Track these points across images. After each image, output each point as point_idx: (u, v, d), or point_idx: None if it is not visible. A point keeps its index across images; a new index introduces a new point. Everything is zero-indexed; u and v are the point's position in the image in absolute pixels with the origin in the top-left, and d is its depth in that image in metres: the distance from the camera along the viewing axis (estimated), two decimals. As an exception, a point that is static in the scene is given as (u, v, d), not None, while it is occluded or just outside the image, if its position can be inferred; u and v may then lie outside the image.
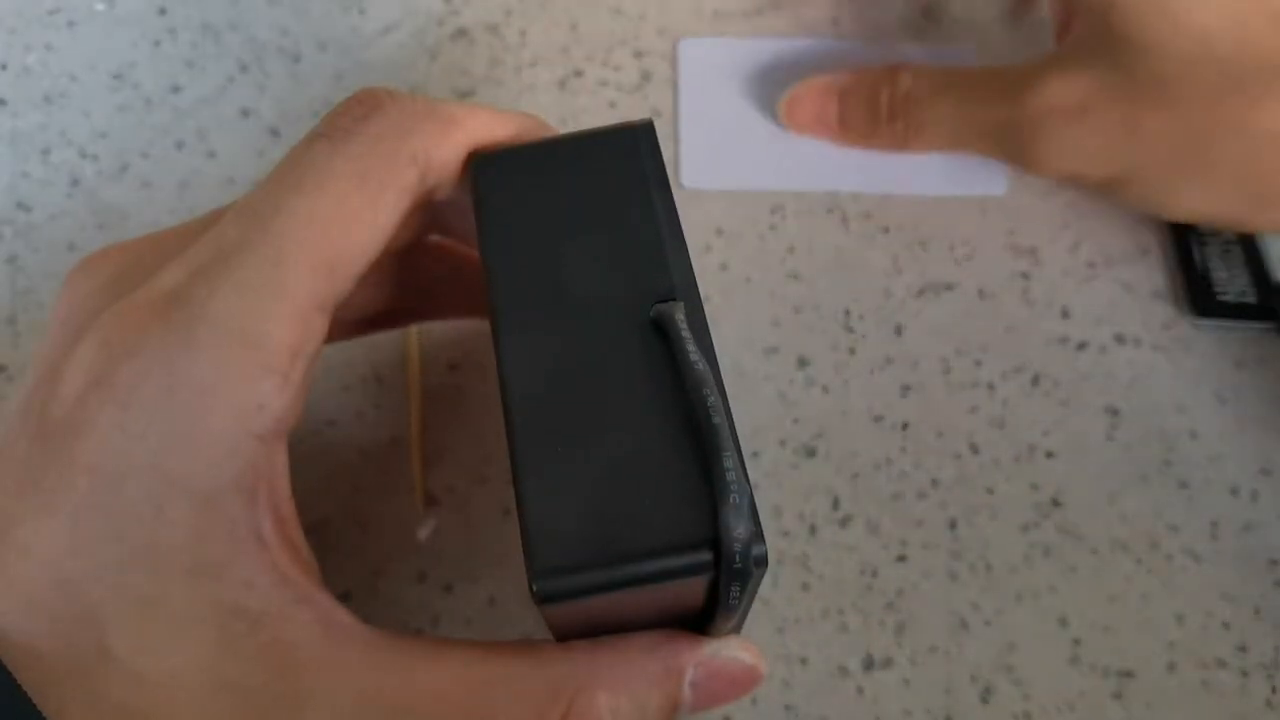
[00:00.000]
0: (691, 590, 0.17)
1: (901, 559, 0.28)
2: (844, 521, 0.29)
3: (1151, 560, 0.28)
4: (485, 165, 0.20)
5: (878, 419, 0.30)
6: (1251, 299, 0.31)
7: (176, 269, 0.18)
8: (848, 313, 0.31)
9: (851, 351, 0.31)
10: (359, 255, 0.19)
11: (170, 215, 0.32)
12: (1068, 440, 0.30)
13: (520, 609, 0.28)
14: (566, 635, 0.19)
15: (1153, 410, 0.30)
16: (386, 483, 0.25)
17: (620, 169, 0.20)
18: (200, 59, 0.35)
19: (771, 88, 0.34)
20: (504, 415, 0.18)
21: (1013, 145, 0.29)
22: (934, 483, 0.29)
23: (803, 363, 0.31)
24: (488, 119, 0.21)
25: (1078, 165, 0.29)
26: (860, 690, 0.27)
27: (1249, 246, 0.31)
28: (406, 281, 0.25)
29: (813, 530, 0.29)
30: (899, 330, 0.31)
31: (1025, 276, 0.32)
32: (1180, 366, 0.31)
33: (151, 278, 0.18)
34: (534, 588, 0.16)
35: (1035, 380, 0.30)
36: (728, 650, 0.20)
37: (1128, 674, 0.27)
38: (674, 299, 0.18)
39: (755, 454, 0.30)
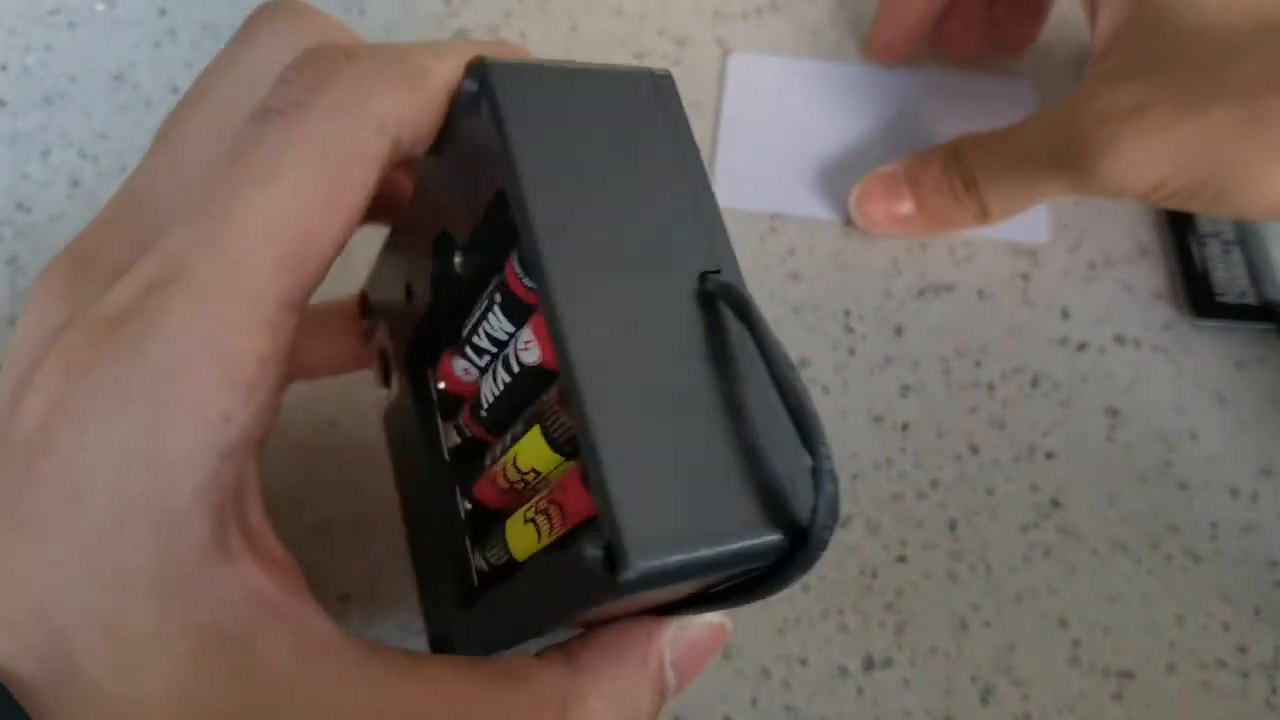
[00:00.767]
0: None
1: (901, 559, 0.28)
2: (844, 522, 0.29)
3: (1151, 561, 0.28)
4: (501, 82, 0.17)
5: (877, 419, 0.30)
6: (1251, 300, 0.31)
7: (130, 281, 0.17)
8: (848, 313, 0.31)
9: (851, 352, 0.31)
10: (327, 244, 0.18)
11: (170, 216, 0.32)
12: (1068, 441, 0.30)
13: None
14: (586, 625, 0.19)
15: (1152, 411, 0.30)
16: (387, 483, 0.25)
17: (649, 118, 0.18)
18: (200, 59, 0.35)
19: (816, 110, 0.34)
20: (563, 385, 0.16)
21: (1083, 175, 0.27)
22: (934, 483, 0.29)
23: (803, 363, 0.31)
24: (463, 60, 0.18)
25: (1148, 172, 0.26)
26: (860, 691, 0.27)
27: (1249, 247, 0.31)
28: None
29: (813, 531, 0.29)
30: (899, 331, 0.31)
31: (1025, 277, 0.32)
32: (1180, 367, 0.31)
33: (107, 291, 0.17)
34: (621, 571, 0.14)
35: (1035, 381, 0.30)
36: (691, 627, 0.20)
37: (1128, 674, 0.27)
38: (719, 270, 0.17)
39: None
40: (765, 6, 0.36)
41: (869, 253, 0.32)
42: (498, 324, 0.20)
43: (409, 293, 0.22)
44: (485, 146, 0.17)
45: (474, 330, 0.20)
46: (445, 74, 0.18)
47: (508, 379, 0.19)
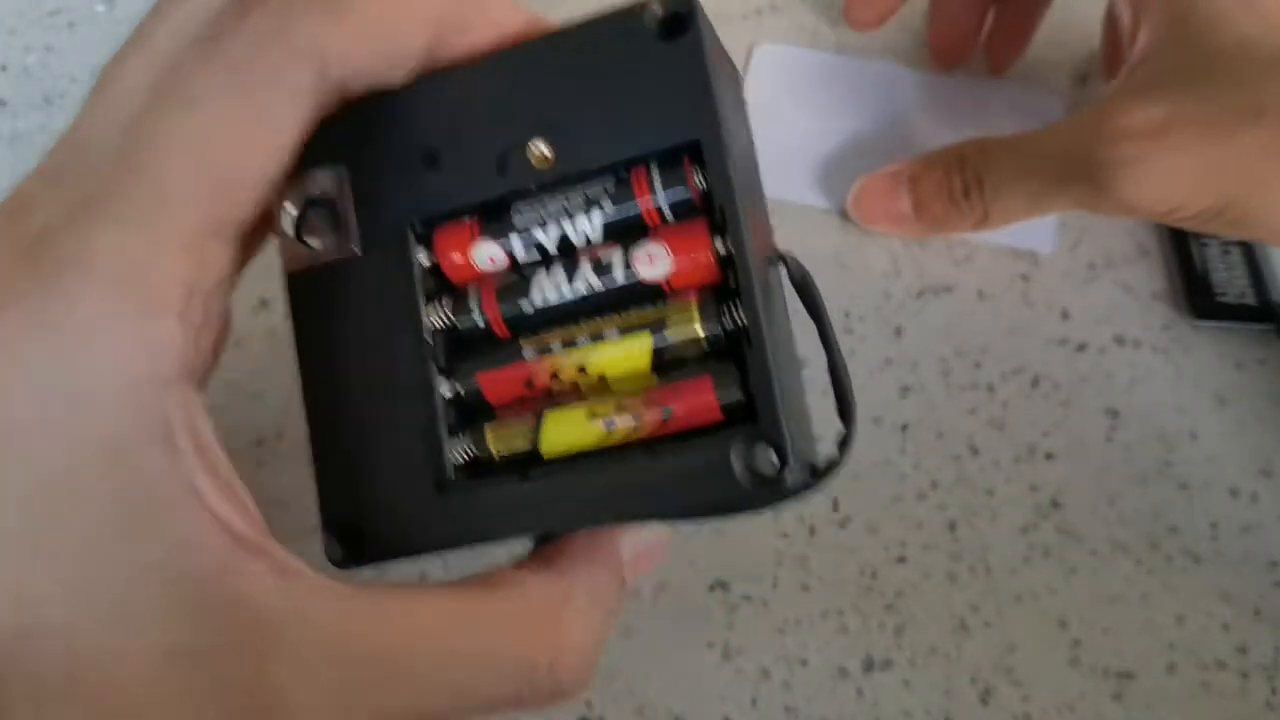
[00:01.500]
0: None
1: (901, 560, 0.28)
2: (843, 523, 0.29)
3: (1151, 561, 0.28)
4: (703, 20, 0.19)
5: (877, 420, 0.30)
6: (1251, 300, 0.31)
7: (46, 209, 0.17)
8: (847, 314, 0.31)
9: (851, 352, 0.31)
10: (255, 172, 0.17)
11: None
12: (1067, 441, 0.30)
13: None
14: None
15: (1152, 411, 0.30)
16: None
17: (737, 77, 0.22)
18: (200, 60, 0.35)
19: (836, 104, 0.34)
20: (748, 313, 0.19)
21: (1097, 191, 0.26)
22: (933, 484, 0.29)
23: (802, 364, 0.31)
24: None
25: (1168, 194, 0.26)
26: (860, 691, 0.27)
27: (1249, 248, 0.31)
28: None
29: (812, 531, 0.29)
30: (898, 331, 0.31)
31: (1025, 278, 0.32)
32: (1180, 368, 0.31)
33: (18, 222, 0.17)
34: (786, 476, 0.17)
35: (1035, 381, 0.30)
36: (644, 531, 0.21)
37: (1127, 675, 0.27)
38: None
39: (755, 455, 0.30)
40: (765, 7, 0.36)
41: (869, 253, 0.32)
42: (586, 228, 0.20)
43: (430, 159, 0.21)
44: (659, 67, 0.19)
45: (541, 224, 0.20)
46: (372, 6, 0.18)
47: (597, 286, 0.20)
